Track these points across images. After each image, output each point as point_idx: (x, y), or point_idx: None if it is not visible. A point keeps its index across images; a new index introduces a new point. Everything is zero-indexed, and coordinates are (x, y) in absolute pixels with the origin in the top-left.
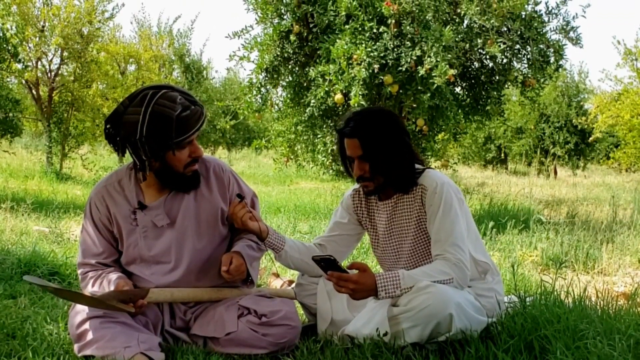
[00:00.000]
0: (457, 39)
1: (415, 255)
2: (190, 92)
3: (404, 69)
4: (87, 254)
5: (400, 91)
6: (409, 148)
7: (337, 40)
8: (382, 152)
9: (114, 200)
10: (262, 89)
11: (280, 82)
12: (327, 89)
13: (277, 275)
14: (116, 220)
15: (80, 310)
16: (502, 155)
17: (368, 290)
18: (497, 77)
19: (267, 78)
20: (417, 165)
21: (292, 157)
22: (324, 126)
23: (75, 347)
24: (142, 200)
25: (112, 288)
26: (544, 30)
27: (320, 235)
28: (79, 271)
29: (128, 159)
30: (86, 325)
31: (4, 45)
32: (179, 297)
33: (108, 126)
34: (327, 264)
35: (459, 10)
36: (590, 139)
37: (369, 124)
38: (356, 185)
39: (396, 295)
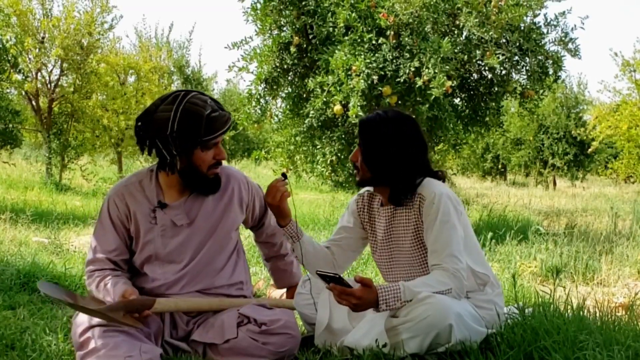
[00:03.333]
0: (455, 51)
1: (411, 263)
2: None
3: (402, 80)
4: (98, 250)
5: (399, 102)
6: (409, 159)
7: (336, 52)
8: (375, 149)
9: (135, 198)
10: (262, 100)
11: (280, 93)
12: (325, 99)
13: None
14: (135, 218)
15: (84, 319)
16: (501, 166)
17: (369, 304)
18: (496, 89)
19: (266, 89)
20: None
21: (291, 167)
22: (323, 137)
23: (77, 355)
24: (162, 200)
25: (116, 294)
26: (542, 42)
27: (328, 238)
28: (86, 269)
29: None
30: (89, 334)
31: (4, 56)
32: (183, 307)
33: (139, 123)
34: (332, 280)
35: (457, 22)
36: (589, 150)
37: (377, 120)
38: (362, 191)
39: (396, 307)
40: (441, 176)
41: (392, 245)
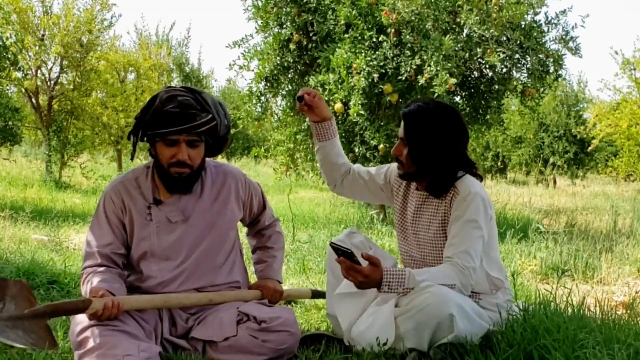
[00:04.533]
0: (456, 48)
1: (431, 249)
2: (221, 105)
3: (403, 78)
4: (92, 244)
5: (400, 100)
6: (453, 154)
7: (337, 50)
8: (421, 142)
9: (130, 194)
10: (262, 98)
11: (280, 91)
12: (326, 98)
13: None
14: (130, 214)
15: (82, 319)
16: (501, 164)
17: (374, 284)
18: (497, 87)
19: (266, 87)
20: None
21: (291, 166)
22: None
23: (75, 354)
24: (157, 196)
25: (86, 292)
26: (543, 40)
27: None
28: (82, 264)
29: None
30: (87, 333)
31: (4, 54)
32: (146, 304)
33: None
34: (344, 254)
35: (458, 20)
36: (590, 148)
37: (422, 112)
38: None
39: (398, 292)
40: (479, 174)
41: (417, 229)
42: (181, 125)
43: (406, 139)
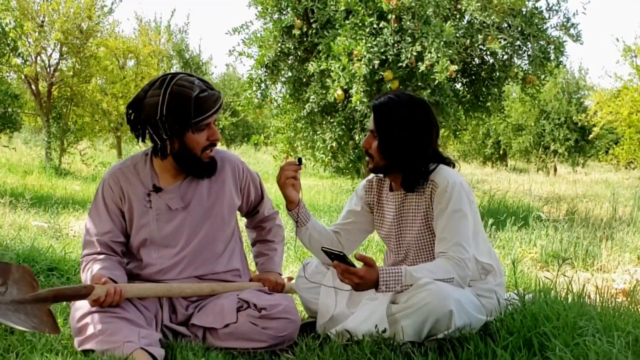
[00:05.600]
0: (457, 35)
1: (417, 248)
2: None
3: (404, 65)
4: (91, 232)
5: (401, 87)
6: (423, 147)
7: (338, 36)
8: (391, 135)
9: (129, 181)
10: (262, 85)
11: (280, 77)
12: (329, 85)
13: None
14: (129, 201)
15: (82, 305)
16: (502, 151)
17: (371, 284)
18: (498, 74)
19: (266, 74)
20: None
21: (291, 153)
22: (324, 122)
23: (76, 341)
24: (156, 184)
25: (87, 279)
26: (544, 27)
27: (335, 222)
28: (82, 252)
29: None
30: (87, 319)
31: (4, 40)
32: (158, 292)
33: (130, 111)
34: (337, 258)
35: (459, 6)
36: (591, 135)
37: (391, 105)
38: (371, 176)
39: (396, 290)
40: (452, 163)
41: (401, 230)
42: (217, 106)
43: (376, 132)
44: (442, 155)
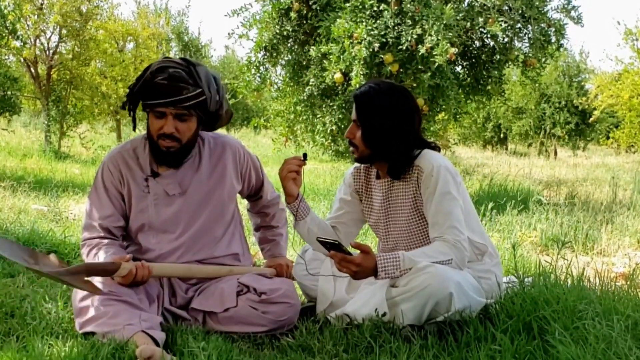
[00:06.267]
0: (458, 18)
1: (408, 234)
2: (215, 80)
3: (404, 48)
4: (92, 216)
5: (401, 70)
6: (406, 135)
7: (337, 19)
8: (373, 124)
9: (128, 165)
10: (261, 68)
11: (279, 60)
12: (328, 68)
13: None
14: (128, 185)
15: None
16: (502, 135)
17: (369, 272)
18: (498, 57)
19: (266, 56)
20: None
21: (291, 137)
22: (323, 106)
23: (77, 323)
24: (155, 169)
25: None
26: (545, 9)
27: (329, 214)
28: (82, 236)
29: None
30: (88, 302)
31: (2, 23)
32: (178, 272)
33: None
34: (332, 247)
35: None
36: (591, 119)
37: (372, 94)
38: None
39: (395, 276)
40: (436, 147)
41: (389, 217)
42: (167, 98)
43: (358, 121)
44: (425, 141)
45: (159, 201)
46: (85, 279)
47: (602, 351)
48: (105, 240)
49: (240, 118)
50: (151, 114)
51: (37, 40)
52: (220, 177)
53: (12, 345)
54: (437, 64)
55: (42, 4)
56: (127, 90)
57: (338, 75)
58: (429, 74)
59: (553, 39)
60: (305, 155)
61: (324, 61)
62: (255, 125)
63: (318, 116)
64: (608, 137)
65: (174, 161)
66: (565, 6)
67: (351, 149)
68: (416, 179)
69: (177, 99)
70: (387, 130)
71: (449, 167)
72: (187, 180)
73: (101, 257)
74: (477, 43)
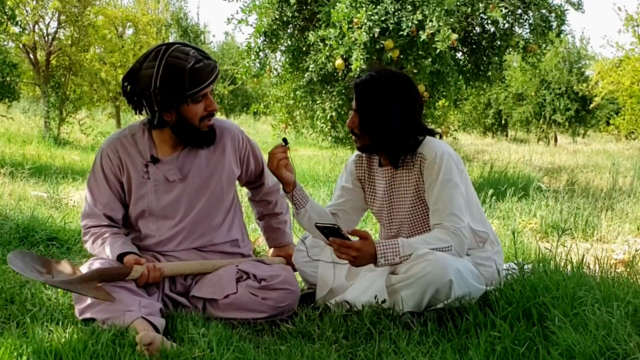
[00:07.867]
0: (458, 3)
1: (411, 221)
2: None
3: (405, 34)
4: (92, 203)
5: (401, 56)
6: (407, 123)
7: (337, 4)
8: (372, 112)
9: (127, 151)
10: (261, 54)
11: (279, 46)
12: (328, 54)
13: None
14: (127, 171)
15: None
16: (502, 121)
17: (369, 258)
18: (499, 43)
19: (265, 42)
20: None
21: (290, 123)
22: (323, 92)
23: (76, 309)
24: (154, 155)
25: (113, 256)
26: None
27: (330, 202)
28: (82, 223)
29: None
30: None
31: (1, 8)
32: (185, 270)
33: (125, 84)
34: (331, 232)
35: None
36: (591, 106)
37: (371, 82)
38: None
39: (395, 262)
40: (438, 134)
41: (393, 205)
42: (212, 76)
43: (358, 111)
44: (427, 128)
45: (159, 187)
46: (98, 285)
47: (602, 337)
48: (110, 230)
49: (239, 104)
50: (190, 102)
51: (36, 26)
52: (219, 161)
53: (13, 332)
54: (438, 50)
55: None
56: (167, 101)
57: (339, 62)
58: (430, 60)
59: (554, 25)
60: (285, 140)
61: (320, 44)
62: (255, 111)
63: (318, 102)
64: (608, 124)
65: (214, 136)
66: None
67: (354, 138)
68: (419, 167)
69: (218, 72)
70: (387, 118)
71: (452, 154)
72: (187, 165)
73: (107, 250)
74: (478, 29)
